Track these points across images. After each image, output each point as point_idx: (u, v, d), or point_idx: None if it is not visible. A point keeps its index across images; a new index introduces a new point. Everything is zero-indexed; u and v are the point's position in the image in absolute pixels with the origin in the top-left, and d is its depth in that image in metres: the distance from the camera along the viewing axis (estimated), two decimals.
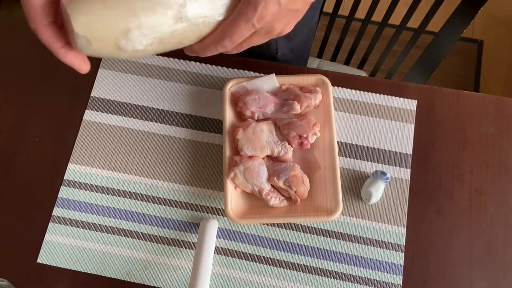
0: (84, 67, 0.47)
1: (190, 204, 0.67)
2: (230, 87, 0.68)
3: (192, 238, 0.66)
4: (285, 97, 0.67)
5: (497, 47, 1.74)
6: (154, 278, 0.64)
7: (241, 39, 0.47)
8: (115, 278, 0.64)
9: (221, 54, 0.75)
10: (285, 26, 0.48)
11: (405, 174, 0.67)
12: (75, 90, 0.72)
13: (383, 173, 0.65)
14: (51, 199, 0.67)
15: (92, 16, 0.42)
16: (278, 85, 0.68)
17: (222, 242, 0.65)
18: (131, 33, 0.43)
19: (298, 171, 0.63)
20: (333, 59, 1.14)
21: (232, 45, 0.48)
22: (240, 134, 0.65)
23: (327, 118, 0.66)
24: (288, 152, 0.65)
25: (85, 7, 0.42)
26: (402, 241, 0.65)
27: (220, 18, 0.46)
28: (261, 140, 0.64)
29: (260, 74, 0.69)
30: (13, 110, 0.71)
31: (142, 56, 0.50)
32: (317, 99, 0.66)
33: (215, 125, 0.70)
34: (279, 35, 0.49)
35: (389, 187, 0.67)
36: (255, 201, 0.64)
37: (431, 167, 0.68)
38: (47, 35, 0.44)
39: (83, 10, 0.42)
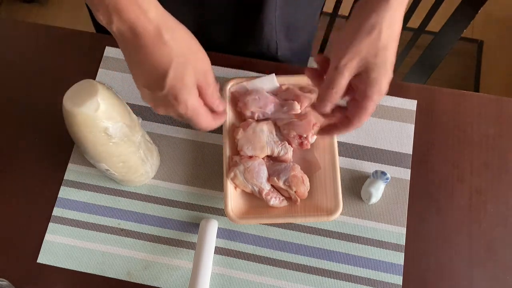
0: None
1: (190, 204, 0.67)
2: (230, 87, 0.68)
3: (192, 238, 0.66)
4: (285, 97, 0.67)
5: (497, 47, 1.74)
6: (154, 278, 0.64)
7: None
8: (115, 278, 0.64)
9: (221, 55, 0.75)
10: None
11: (405, 174, 0.67)
12: None
13: (383, 173, 0.65)
14: (51, 199, 0.67)
15: None
16: (278, 85, 0.68)
17: (222, 242, 0.65)
18: None
19: (298, 171, 0.63)
20: None
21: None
22: (240, 134, 0.65)
23: None
24: (288, 152, 0.64)
25: None
26: (402, 241, 0.65)
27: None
28: (261, 140, 0.64)
29: (260, 74, 0.69)
30: (13, 109, 0.71)
31: None
32: None
33: None
34: None
35: (389, 187, 0.67)
36: (255, 201, 0.64)
37: (431, 167, 0.68)
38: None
39: None
